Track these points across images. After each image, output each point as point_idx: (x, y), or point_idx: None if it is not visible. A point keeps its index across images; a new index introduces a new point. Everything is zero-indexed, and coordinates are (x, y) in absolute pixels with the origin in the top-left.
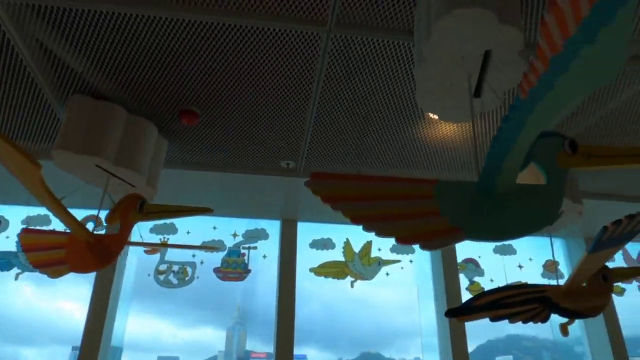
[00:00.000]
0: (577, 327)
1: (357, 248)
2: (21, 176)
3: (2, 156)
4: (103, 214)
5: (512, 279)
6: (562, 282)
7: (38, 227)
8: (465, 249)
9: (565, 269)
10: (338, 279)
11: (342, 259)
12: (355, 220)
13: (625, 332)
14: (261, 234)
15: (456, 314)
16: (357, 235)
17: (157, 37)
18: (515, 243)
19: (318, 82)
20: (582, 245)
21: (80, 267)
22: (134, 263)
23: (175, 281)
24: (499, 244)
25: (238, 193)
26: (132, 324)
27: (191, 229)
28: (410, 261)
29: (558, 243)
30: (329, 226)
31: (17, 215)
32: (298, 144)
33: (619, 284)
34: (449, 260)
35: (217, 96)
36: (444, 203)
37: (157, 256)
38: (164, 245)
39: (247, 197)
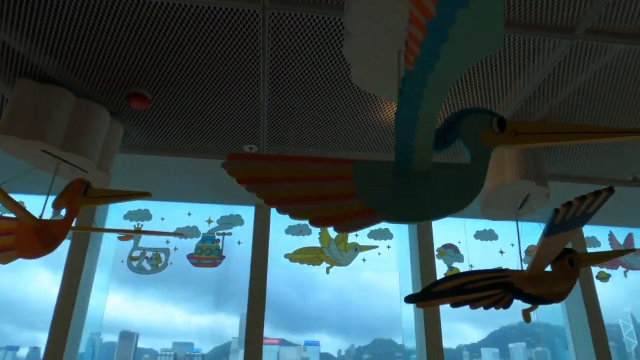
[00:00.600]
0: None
1: (334, 234)
2: None
3: None
4: (52, 200)
5: (492, 265)
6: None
7: None
8: (445, 235)
9: None
10: (314, 265)
11: (318, 245)
12: (269, 203)
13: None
14: (236, 221)
15: (416, 300)
16: None
17: (102, 18)
18: (497, 228)
19: (264, 62)
20: None
21: (29, 253)
22: (114, 250)
23: (149, 267)
24: (480, 229)
25: (212, 178)
26: (145, 310)
27: (166, 215)
28: (388, 247)
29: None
30: None
31: None
32: (258, 128)
33: (604, 269)
34: (426, 246)
35: (170, 79)
36: (362, 184)
37: (132, 243)
38: (110, 230)
39: (222, 183)
